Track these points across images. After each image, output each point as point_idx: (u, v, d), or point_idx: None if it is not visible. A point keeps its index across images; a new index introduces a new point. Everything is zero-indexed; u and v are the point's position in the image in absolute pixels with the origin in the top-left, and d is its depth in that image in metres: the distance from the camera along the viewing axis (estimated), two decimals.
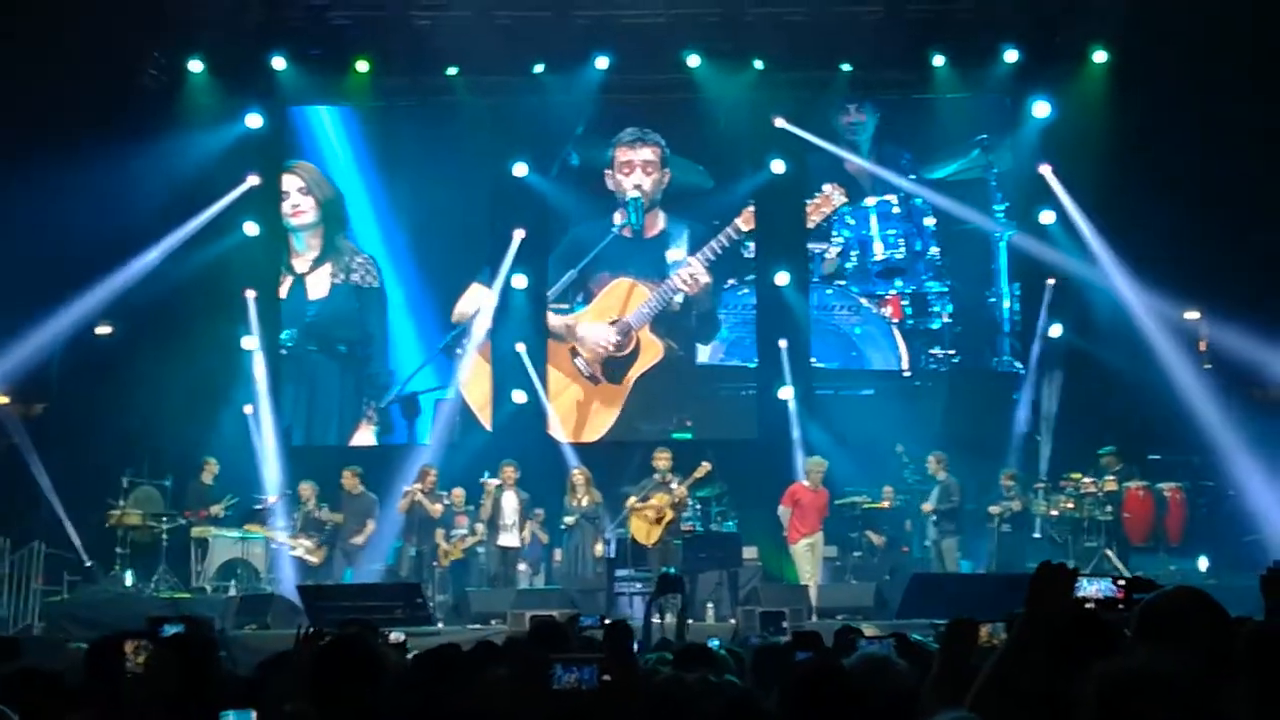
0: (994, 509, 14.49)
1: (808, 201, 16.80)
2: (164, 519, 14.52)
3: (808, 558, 14.32)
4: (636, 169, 16.82)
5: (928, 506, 14.57)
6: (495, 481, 14.53)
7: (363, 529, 14.67)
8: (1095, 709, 2.13)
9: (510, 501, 14.52)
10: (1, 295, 13.67)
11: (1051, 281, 16.22)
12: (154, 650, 4.27)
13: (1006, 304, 16.72)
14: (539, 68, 16.21)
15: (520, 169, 16.61)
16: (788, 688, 3.04)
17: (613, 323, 16.76)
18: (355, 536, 14.65)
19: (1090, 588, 2.92)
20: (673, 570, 10.97)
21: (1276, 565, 3.37)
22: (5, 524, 14.30)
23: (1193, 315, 15.79)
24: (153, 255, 15.46)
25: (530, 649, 3.69)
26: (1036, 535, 14.65)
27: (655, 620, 10.82)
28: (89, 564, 14.45)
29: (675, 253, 16.89)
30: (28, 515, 14.45)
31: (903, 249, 16.91)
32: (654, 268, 16.89)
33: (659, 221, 16.93)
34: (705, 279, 16.70)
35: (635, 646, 5.30)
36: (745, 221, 16.74)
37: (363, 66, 16.16)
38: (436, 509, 14.47)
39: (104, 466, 14.68)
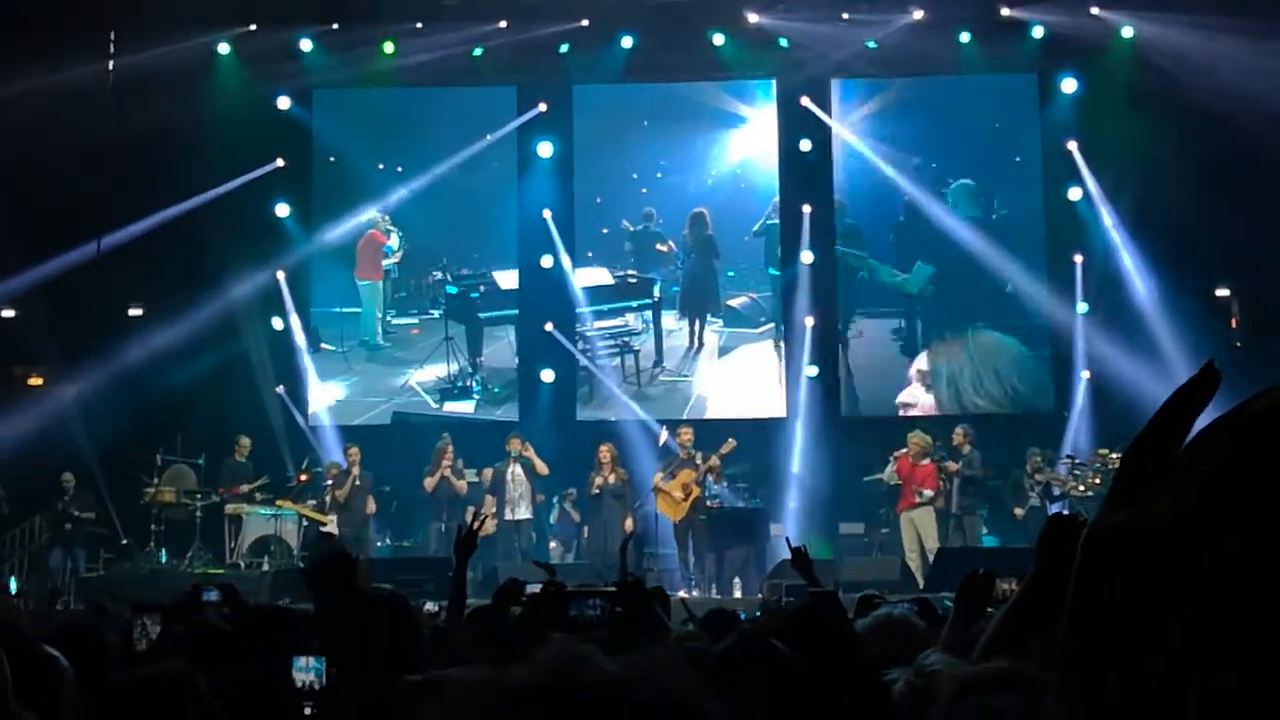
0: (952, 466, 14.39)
1: None
2: (198, 496, 14.73)
3: (908, 532, 14.16)
4: None
5: (953, 466, 14.34)
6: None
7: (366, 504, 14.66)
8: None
9: (516, 473, 14.54)
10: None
11: (1079, 259, 16.21)
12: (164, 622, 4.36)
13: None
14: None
15: (545, 149, 16.70)
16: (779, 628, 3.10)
17: None
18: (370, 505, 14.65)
19: None
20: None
21: (1059, 517, 3.23)
22: (45, 501, 14.55)
23: (1224, 293, 15.76)
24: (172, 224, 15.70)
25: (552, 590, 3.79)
26: (1065, 513, 14.56)
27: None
28: (125, 541, 14.67)
29: None
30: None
31: None
32: None
33: None
34: None
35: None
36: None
37: (389, 47, 16.30)
38: (461, 485, 14.58)
39: (138, 445, 14.88)
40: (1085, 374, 15.98)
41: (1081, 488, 14.44)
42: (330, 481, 14.76)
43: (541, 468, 14.55)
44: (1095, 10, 15.80)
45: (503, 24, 16.17)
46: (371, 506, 14.69)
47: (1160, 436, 0.61)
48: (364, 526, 14.62)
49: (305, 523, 14.75)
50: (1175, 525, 0.58)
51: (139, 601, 5.32)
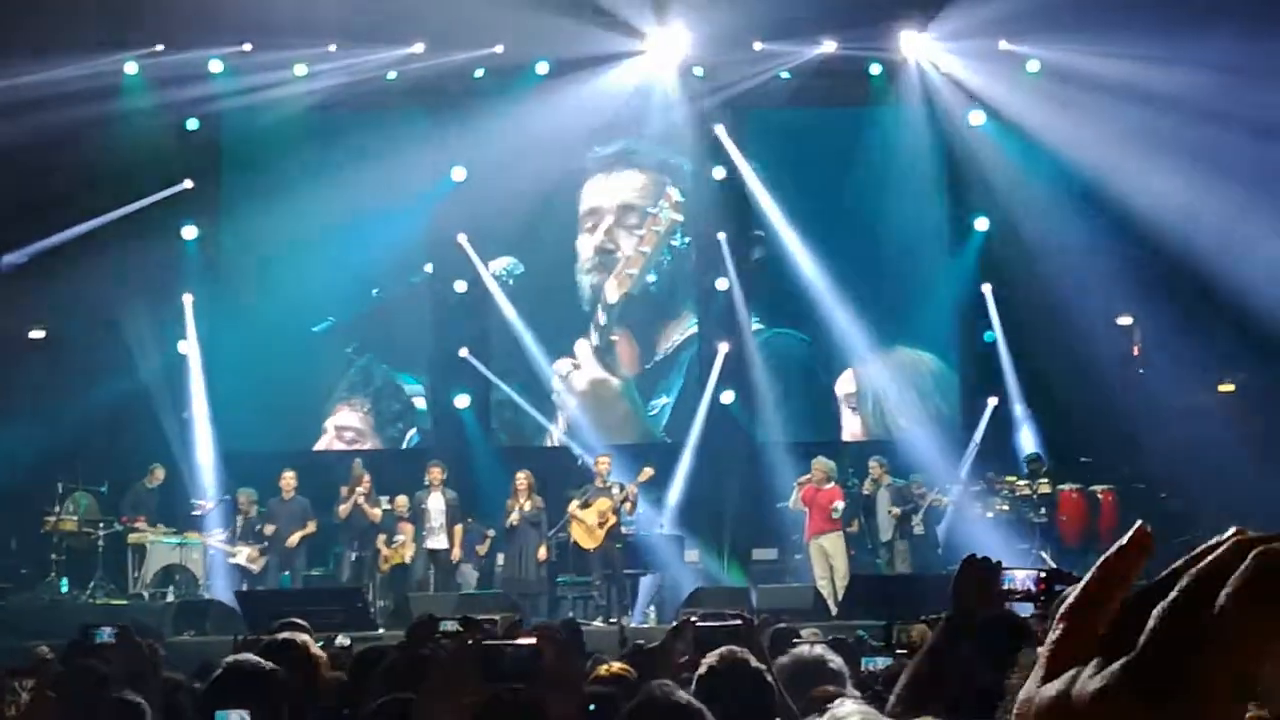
0: (895, 511, 14.49)
1: None
2: (100, 525, 14.38)
3: (818, 559, 14.12)
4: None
5: (895, 511, 14.44)
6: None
7: (303, 528, 14.43)
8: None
9: (436, 503, 14.37)
10: None
11: (987, 288, 16.48)
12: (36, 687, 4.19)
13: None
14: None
15: (459, 173, 16.61)
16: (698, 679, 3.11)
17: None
18: (291, 538, 14.41)
19: (1016, 581, 2.96)
20: None
21: (973, 560, 3.15)
22: None
23: (1126, 320, 16.11)
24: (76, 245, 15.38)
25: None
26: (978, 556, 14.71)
27: None
28: (24, 571, 14.30)
29: None
30: None
31: None
32: None
33: None
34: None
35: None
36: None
37: (301, 70, 16.10)
38: (375, 513, 14.37)
39: (38, 472, 14.49)
40: (992, 401, 16.21)
41: (990, 514, 14.64)
42: (241, 510, 14.49)
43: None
44: (1003, 44, 16.10)
45: (417, 48, 16.08)
46: (311, 529, 14.41)
47: (1091, 605, 0.61)
48: (292, 556, 14.37)
49: (210, 551, 14.47)
50: (1101, 706, 0.58)
51: (12, 666, 5.09)
